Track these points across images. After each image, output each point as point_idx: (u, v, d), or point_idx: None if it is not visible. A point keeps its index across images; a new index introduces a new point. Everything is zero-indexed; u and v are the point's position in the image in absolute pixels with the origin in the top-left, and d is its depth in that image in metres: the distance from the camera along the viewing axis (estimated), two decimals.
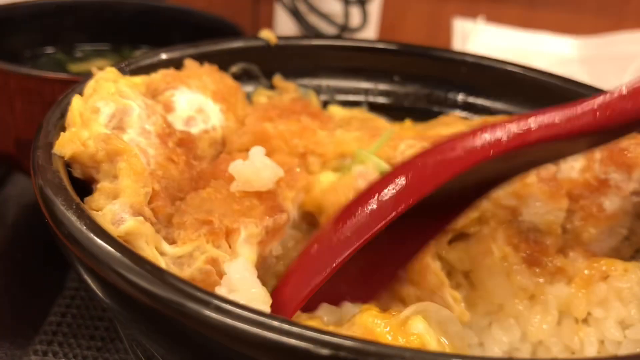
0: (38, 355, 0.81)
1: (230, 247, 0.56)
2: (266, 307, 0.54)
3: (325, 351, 0.39)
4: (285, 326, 0.40)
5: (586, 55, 1.66)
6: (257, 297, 0.54)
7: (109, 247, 0.46)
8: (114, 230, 0.51)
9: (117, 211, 0.53)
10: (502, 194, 0.71)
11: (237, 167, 0.58)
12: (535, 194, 0.70)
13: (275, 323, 0.40)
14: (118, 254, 0.45)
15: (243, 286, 0.54)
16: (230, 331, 0.41)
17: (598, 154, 0.72)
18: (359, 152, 0.72)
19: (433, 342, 0.50)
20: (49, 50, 1.34)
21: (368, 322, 0.53)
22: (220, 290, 0.54)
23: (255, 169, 0.58)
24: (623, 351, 0.65)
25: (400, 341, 0.50)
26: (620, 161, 0.70)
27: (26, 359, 0.80)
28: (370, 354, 0.39)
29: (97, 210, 0.54)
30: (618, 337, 0.67)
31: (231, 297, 0.53)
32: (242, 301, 0.52)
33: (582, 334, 0.67)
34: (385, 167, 0.71)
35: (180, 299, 0.42)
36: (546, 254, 0.70)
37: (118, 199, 0.54)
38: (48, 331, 0.85)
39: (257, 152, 0.58)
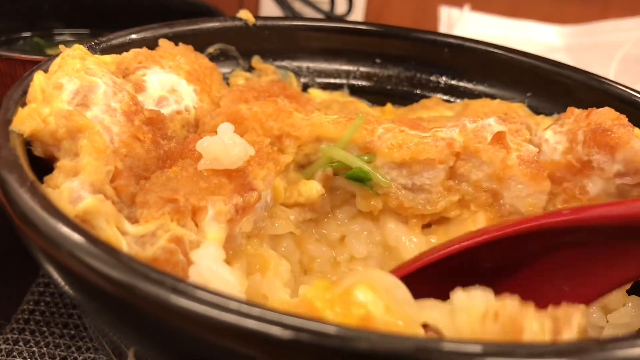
0: (9, 344, 0.80)
1: (196, 225, 0.53)
2: (241, 295, 0.51)
3: (286, 334, 0.37)
4: (244, 307, 0.38)
5: (572, 43, 1.64)
6: (232, 287, 0.51)
7: (62, 226, 0.43)
8: (71, 209, 0.49)
9: (76, 189, 0.50)
10: (483, 177, 0.69)
11: (204, 143, 0.56)
12: (517, 176, 0.68)
13: (233, 304, 0.38)
14: (71, 233, 0.43)
15: (215, 278, 0.51)
16: (186, 313, 0.39)
17: (581, 135, 0.70)
18: (326, 148, 0.70)
19: (379, 312, 0.46)
20: (27, 35, 1.31)
21: (309, 295, 0.48)
22: None
23: (223, 145, 0.55)
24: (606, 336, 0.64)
25: (339, 312, 0.46)
26: (604, 142, 0.68)
27: None
28: (334, 337, 0.37)
29: (55, 189, 0.52)
30: (601, 322, 0.65)
31: None
32: None
33: None
34: (354, 161, 0.69)
35: (134, 279, 0.40)
36: None
37: (77, 177, 0.51)
38: (20, 319, 0.83)
39: (226, 128, 0.56)
